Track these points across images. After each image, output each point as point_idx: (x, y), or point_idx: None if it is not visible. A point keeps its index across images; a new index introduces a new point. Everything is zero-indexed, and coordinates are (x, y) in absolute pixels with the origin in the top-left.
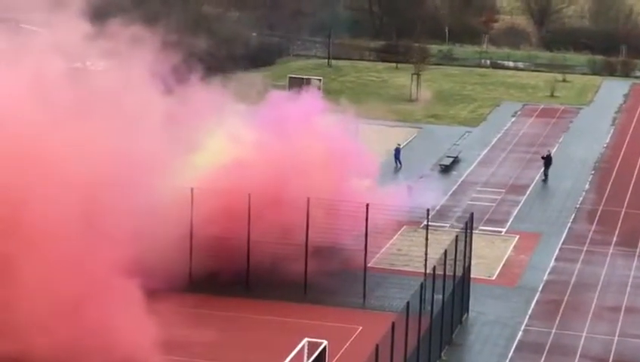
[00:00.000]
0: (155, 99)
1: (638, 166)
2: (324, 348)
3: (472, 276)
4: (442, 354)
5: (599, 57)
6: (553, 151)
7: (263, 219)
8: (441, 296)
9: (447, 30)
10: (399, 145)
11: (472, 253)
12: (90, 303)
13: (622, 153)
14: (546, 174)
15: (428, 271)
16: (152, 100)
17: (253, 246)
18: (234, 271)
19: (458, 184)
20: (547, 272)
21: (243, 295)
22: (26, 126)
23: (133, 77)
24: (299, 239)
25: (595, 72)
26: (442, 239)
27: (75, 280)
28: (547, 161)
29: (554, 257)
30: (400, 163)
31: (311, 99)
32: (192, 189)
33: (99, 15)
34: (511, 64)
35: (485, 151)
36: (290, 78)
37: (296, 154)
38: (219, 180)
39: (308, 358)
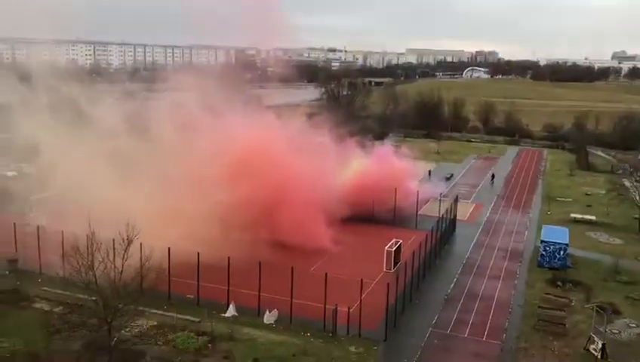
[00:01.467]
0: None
1: (521, 178)
2: (401, 243)
3: (457, 218)
4: (444, 247)
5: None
6: (489, 173)
7: (376, 194)
8: (445, 225)
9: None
10: (430, 170)
11: (457, 209)
12: (308, 221)
13: (515, 174)
14: (492, 181)
15: (441, 215)
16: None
17: (374, 203)
18: (365, 213)
19: (452, 184)
20: (485, 218)
21: (369, 222)
22: (283, 157)
23: (326, 141)
24: (391, 204)
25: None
26: (446, 205)
27: (304, 211)
28: (493, 176)
29: (488, 212)
30: (430, 176)
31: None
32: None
33: None
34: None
35: (463, 171)
36: None
37: (388, 169)
38: (357, 177)
39: (395, 246)
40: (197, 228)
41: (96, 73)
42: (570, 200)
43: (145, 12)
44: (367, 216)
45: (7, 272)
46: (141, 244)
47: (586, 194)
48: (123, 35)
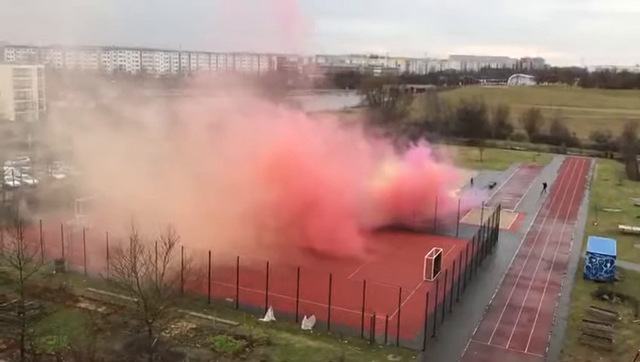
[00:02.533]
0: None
1: (567, 187)
2: (441, 252)
3: (499, 227)
4: (486, 256)
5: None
6: (535, 181)
7: (414, 203)
8: (487, 234)
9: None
10: (472, 178)
11: (500, 218)
12: (341, 227)
13: (560, 183)
14: (544, 190)
15: (482, 224)
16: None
17: (413, 213)
18: (405, 221)
19: (495, 193)
20: (529, 227)
21: (409, 230)
22: (313, 162)
23: (360, 144)
24: (428, 213)
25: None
26: (488, 213)
27: (335, 218)
28: (545, 185)
29: (532, 222)
30: (472, 183)
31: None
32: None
33: None
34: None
35: (507, 180)
36: None
37: (425, 175)
38: (392, 185)
39: (435, 254)
40: (232, 230)
41: (142, 78)
42: (619, 210)
43: (186, 17)
44: (406, 224)
45: (54, 272)
46: (182, 247)
47: (636, 205)
48: (168, 42)
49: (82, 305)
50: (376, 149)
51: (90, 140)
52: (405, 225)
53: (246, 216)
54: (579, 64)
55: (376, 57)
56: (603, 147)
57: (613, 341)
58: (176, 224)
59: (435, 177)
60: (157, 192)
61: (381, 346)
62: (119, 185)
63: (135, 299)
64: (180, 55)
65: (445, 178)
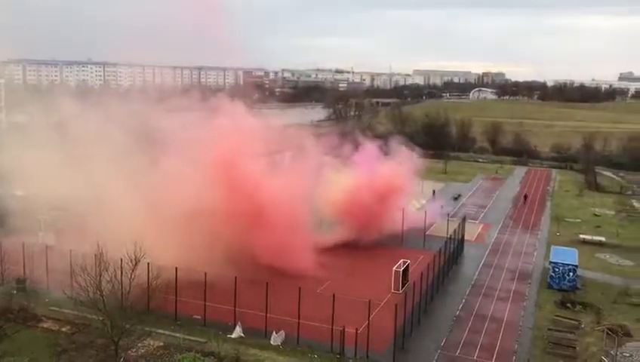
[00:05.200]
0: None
1: (530, 198)
2: (409, 264)
3: (465, 238)
4: (452, 267)
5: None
6: (498, 193)
7: (372, 216)
8: (453, 245)
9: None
10: (434, 190)
11: (465, 229)
12: (291, 242)
13: (523, 194)
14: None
15: (449, 235)
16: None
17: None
18: (361, 236)
19: (460, 204)
20: (493, 238)
21: (373, 244)
22: (256, 174)
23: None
24: (392, 226)
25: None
26: (453, 224)
27: (280, 233)
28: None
29: (496, 233)
30: (434, 196)
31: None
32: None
33: None
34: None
35: (471, 192)
36: None
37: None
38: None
39: (402, 266)
40: (183, 240)
41: (105, 93)
42: (580, 220)
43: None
44: (370, 238)
45: (14, 291)
46: (148, 264)
47: (595, 215)
48: (131, 56)
49: (45, 324)
50: (323, 149)
51: (48, 156)
52: (369, 239)
53: (196, 224)
54: (538, 78)
55: (341, 72)
56: (563, 159)
57: (577, 348)
58: (144, 239)
59: (390, 185)
60: (120, 207)
61: (351, 359)
62: (84, 202)
63: (100, 318)
64: (144, 69)
65: (401, 183)
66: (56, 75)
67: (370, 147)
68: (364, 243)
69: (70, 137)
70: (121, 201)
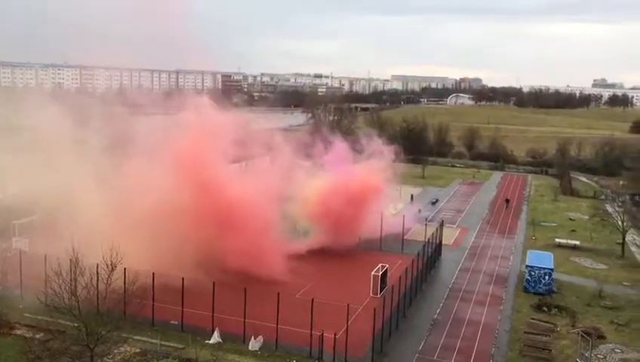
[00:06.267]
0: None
1: (512, 202)
2: (387, 268)
3: (442, 242)
4: (430, 271)
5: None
6: (475, 197)
7: (343, 214)
8: (431, 249)
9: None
10: (412, 194)
11: (442, 234)
12: (260, 245)
13: (499, 199)
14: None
15: (427, 240)
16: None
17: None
18: (338, 242)
19: (437, 209)
20: (470, 243)
21: (351, 249)
22: (226, 180)
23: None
24: (369, 230)
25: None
26: (431, 229)
27: (250, 238)
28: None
29: (473, 237)
30: (412, 200)
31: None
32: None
33: None
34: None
35: (448, 197)
36: None
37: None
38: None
39: (381, 271)
40: (152, 242)
41: (81, 96)
42: (555, 225)
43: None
44: (347, 243)
45: None
46: (125, 269)
47: (570, 219)
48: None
49: (18, 331)
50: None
51: (20, 160)
52: (345, 244)
53: (164, 225)
54: (514, 84)
55: (320, 76)
56: (539, 164)
57: (553, 351)
58: (121, 245)
59: (364, 186)
60: (96, 212)
61: None
62: (58, 207)
63: (75, 324)
64: (121, 73)
65: (376, 184)
66: (31, 78)
67: (340, 145)
68: (340, 248)
69: (42, 140)
70: (92, 204)
